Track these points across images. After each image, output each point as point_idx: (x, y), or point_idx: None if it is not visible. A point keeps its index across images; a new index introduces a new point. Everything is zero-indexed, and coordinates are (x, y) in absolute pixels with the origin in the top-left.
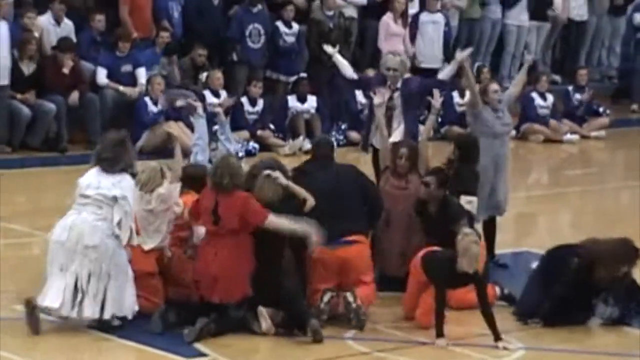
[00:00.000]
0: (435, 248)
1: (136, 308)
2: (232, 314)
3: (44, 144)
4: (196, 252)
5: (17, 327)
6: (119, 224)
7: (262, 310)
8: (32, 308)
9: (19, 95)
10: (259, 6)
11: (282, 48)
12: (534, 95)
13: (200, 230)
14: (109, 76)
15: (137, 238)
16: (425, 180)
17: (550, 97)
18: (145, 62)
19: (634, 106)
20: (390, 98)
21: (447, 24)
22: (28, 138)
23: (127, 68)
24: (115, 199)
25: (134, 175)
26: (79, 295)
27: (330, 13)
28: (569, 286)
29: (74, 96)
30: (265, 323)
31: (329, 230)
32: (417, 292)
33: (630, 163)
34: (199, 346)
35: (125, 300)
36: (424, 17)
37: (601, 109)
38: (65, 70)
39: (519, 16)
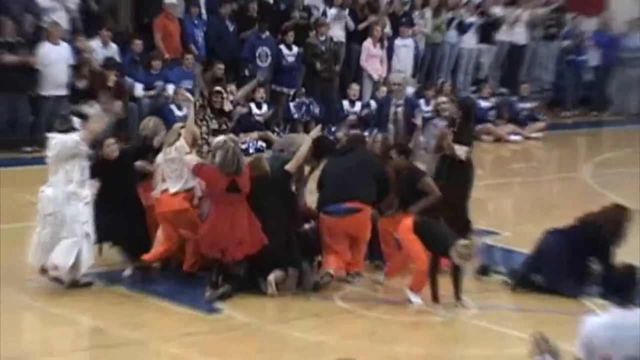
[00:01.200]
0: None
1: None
2: (239, 271)
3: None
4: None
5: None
6: None
7: (271, 279)
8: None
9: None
10: (266, 33)
11: (284, 66)
12: (480, 100)
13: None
14: (145, 89)
15: (163, 184)
16: (390, 154)
17: (493, 100)
18: (174, 79)
19: (565, 113)
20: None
21: (416, 47)
22: None
23: (159, 83)
24: None
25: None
26: None
27: (323, 38)
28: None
29: (118, 105)
30: (272, 289)
31: (340, 193)
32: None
33: (563, 159)
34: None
35: None
36: (398, 41)
37: (539, 115)
38: (110, 84)
39: (471, 41)
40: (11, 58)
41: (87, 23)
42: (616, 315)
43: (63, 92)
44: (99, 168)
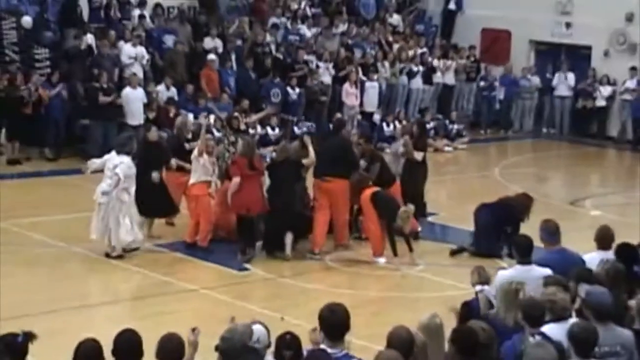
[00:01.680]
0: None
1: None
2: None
3: None
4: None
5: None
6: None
7: (288, 242)
8: None
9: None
10: (277, 79)
11: (290, 101)
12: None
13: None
14: (194, 118)
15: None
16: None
17: (432, 123)
18: (214, 111)
19: (481, 131)
20: None
21: (380, 87)
22: None
23: (204, 114)
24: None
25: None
26: None
27: (316, 82)
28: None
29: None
30: (288, 251)
31: (321, 169)
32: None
33: (480, 163)
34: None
35: None
36: (367, 83)
37: (464, 133)
38: (171, 115)
39: (417, 83)
40: (105, 98)
41: (155, 73)
42: (518, 270)
43: (140, 121)
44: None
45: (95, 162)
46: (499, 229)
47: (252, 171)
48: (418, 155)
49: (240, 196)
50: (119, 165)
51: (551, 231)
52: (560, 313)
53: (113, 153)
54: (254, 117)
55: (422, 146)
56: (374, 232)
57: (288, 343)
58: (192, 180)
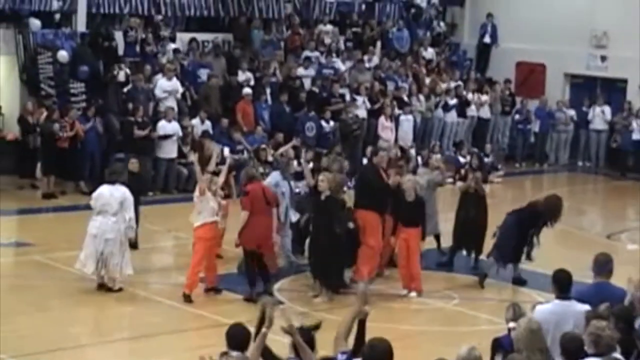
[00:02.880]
0: None
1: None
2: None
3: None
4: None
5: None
6: None
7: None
8: None
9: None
10: (312, 112)
11: (323, 135)
12: (459, 157)
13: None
14: (230, 152)
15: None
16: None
17: (468, 157)
18: (249, 144)
19: (516, 165)
20: None
21: (414, 120)
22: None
23: (239, 148)
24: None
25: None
26: None
27: (351, 115)
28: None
29: (212, 163)
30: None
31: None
32: None
33: (516, 197)
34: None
35: None
36: (402, 117)
37: (499, 166)
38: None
39: (452, 116)
40: (139, 132)
41: (190, 107)
42: (557, 305)
43: (174, 155)
44: None
45: (97, 199)
46: (520, 234)
47: (266, 205)
48: (484, 190)
49: (251, 230)
50: (127, 197)
51: (599, 263)
52: (605, 350)
53: (106, 186)
54: (281, 149)
55: (484, 179)
56: (407, 267)
57: None
58: (198, 222)
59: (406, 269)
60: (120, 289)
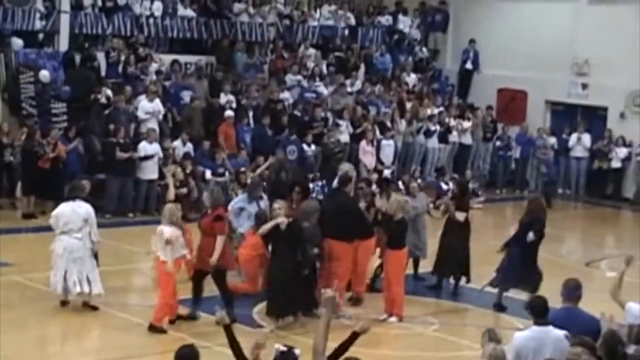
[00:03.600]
0: None
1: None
2: None
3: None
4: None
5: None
6: None
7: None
8: None
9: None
10: (294, 136)
11: (305, 158)
12: (442, 183)
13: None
14: (212, 174)
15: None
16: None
17: (450, 184)
18: (232, 167)
19: (497, 191)
20: None
21: (395, 145)
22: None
23: (221, 170)
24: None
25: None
26: None
27: (333, 139)
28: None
29: (192, 184)
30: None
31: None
32: None
33: (497, 223)
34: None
35: None
36: (383, 141)
37: (480, 193)
38: (187, 171)
39: (433, 142)
40: (122, 154)
41: (172, 129)
42: (535, 331)
43: (155, 176)
44: None
45: (58, 218)
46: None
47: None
48: (460, 216)
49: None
50: (90, 213)
51: (569, 288)
52: None
53: (66, 204)
54: (258, 170)
55: (465, 207)
56: (389, 290)
57: None
58: (167, 258)
59: (388, 293)
60: (95, 307)
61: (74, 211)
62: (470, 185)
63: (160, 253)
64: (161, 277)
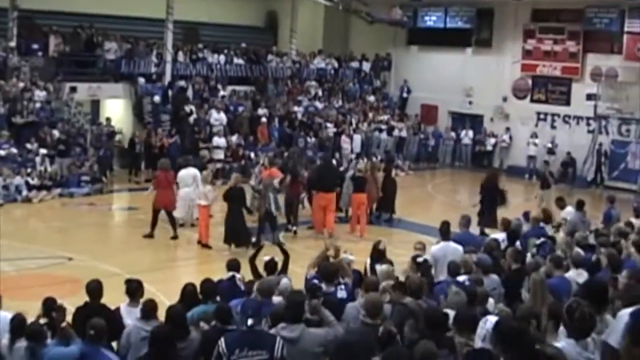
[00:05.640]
0: None
1: None
2: None
3: None
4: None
5: None
6: None
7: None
8: None
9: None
10: (302, 132)
11: (309, 146)
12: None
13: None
14: (254, 155)
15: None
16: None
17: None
18: (265, 152)
19: (421, 164)
20: None
21: (361, 138)
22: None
23: (259, 153)
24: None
25: None
26: None
27: (324, 135)
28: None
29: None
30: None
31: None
32: None
33: (420, 183)
34: None
35: None
36: (355, 135)
37: (410, 165)
38: (240, 154)
39: (384, 136)
40: (202, 144)
41: (231, 129)
42: (442, 245)
43: (221, 156)
44: None
45: (180, 179)
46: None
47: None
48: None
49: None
50: (196, 174)
51: (464, 220)
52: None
53: (183, 169)
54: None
55: (386, 169)
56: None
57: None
58: (204, 203)
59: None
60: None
61: (187, 173)
62: (407, 162)
63: (202, 200)
64: (202, 215)
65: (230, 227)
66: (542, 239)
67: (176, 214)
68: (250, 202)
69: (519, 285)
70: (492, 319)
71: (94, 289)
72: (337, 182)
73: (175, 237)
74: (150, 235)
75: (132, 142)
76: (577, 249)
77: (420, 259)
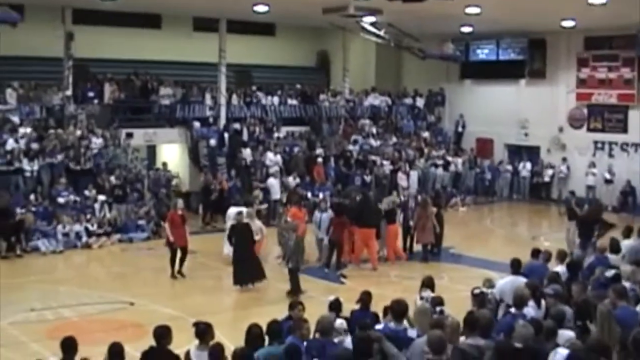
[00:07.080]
0: None
1: None
2: None
3: None
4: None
5: None
6: None
7: None
8: None
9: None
10: (358, 170)
11: (365, 184)
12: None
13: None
14: (311, 195)
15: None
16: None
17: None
18: (322, 192)
19: (478, 198)
20: None
21: (418, 174)
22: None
23: (316, 193)
24: None
25: None
26: None
27: (380, 171)
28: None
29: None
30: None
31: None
32: None
33: (478, 217)
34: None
35: None
36: (411, 172)
37: (467, 199)
38: (297, 195)
39: (440, 171)
40: (257, 184)
41: (287, 169)
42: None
43: (277, 197)
44: None
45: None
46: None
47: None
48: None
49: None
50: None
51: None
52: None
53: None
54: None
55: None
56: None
57: None
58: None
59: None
60: None
61: (233, 211)
62: (463, 195)
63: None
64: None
65: (239, 267)
66: (613, 272)
67: (226, 250)
68: (278, 240)
69: (588, 317)
70: (562, 352)
71: (161, 334)
72: (378, 217)
73: (173, 275)
74: (174, 275)
75: (207, 188)
76: None
77: (477, 291)
